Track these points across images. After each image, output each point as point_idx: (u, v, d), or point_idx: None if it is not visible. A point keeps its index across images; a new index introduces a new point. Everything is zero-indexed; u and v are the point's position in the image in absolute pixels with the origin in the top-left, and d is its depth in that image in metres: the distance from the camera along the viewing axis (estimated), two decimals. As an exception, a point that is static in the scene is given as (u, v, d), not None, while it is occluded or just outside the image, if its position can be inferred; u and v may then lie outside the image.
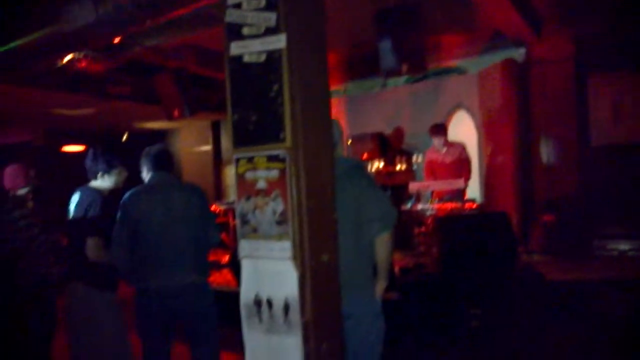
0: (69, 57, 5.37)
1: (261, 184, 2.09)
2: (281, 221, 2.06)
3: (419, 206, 6.45)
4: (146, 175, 3.37)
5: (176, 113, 7.33)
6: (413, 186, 6.50)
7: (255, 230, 2.15)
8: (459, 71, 8.11)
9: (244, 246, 2.21)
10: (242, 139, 2.13)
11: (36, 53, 4.50)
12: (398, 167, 7.88)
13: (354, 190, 2.54)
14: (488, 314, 4.92)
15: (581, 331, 4.64)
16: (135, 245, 3.19)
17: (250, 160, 2.11)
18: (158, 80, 7.23)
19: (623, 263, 6.06)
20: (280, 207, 2.05)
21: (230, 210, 8.10)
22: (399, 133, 7.89)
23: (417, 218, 6.57)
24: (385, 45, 4.82)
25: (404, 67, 4.88)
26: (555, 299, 5.09)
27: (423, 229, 6.49)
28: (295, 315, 2.09)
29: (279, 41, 1.98)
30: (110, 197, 3.41)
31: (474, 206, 6.29)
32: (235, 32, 2.10)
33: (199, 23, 4.93)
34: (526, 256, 6.25)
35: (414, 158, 7.81)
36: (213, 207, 7.85)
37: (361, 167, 2.74)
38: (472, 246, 5.28)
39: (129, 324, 3.38)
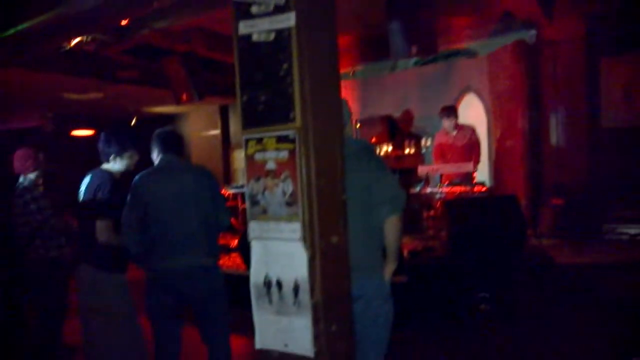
0: (77, 40, 5.37)
1: (271, 165, 2.08)
2: (291, 202, 2.05)
3: (428, 189, 6.42)
4: (156, 157, 3.37)
5: (185, 97, 7.33)
6: (422, 169, 6.46)
7: (265, 211, 2.14)
8: (469, 53, 8.03)
9: (254, 227, 2.20)
10: (251, 120, 2.11)
11: (45, 35, 4.49)
12: (407, 151, 7.85)
13: (363, 172, 2.52)
14: (497, 298, 4.92)
15: (590, 315, 4.64)
16: (146, 228, 3.19)
17: (259, 141, 2.10)
18: (166, 64, 7.21)
19: (633, 247, 6.02)
20: (289, 188, 2.04)
21: (239, 194, 8.12)
22: (407, 116, 7.85)
23: (426, 201, 6.55)
24: (395, 27, 4.77)
25: (414, 49, 4.83)
26: (564, 282, 5.08)
27: (432, 212, 6.48)
28: (304, 296, 2.09)
29: (288, 19, 1.95)
30: (121, 180, 3.41)
31: (483, 189, 6.26)
32: (243, 11, 2.08)
33: (207, 4, 4.89)
34: (535, 240, 6.23)
35: (423, 141, 7.77)
36: (222, 191, 7.86)
37: (371, 148, 2.72)
38: (481, 230, 5.27)
39: (139, 307, 3.40)
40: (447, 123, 6.69)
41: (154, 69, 7.75)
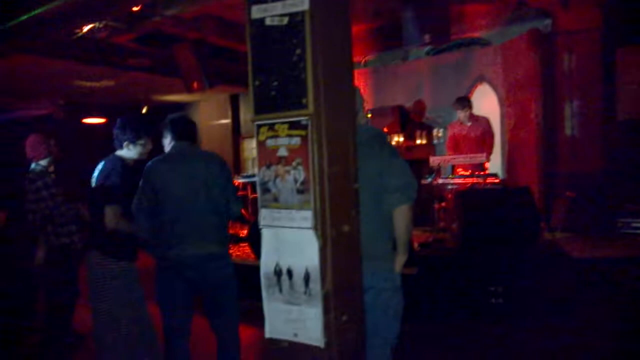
0: (89, 27, 5.35)
1: (282, 152, 2.05)
2: (302, 190, 2.02)
3: (440, 180, 6.36)
4: (168, 144, 3.35)
5: (195, 85, 7.33)
6: (434, 160, 6.40)
7: (276, 199, 2.11)
8: (483, 43, 7.93)
9: (265, 215, 2.18)
10: (263, 106, 2.08)
11: (57, 21, 4.48)
12: (418, 141, 7.80)
13: (375, 160, 2.48)
14: (509, 291, 4.87)
15: (604, 309, 4.58)
16: (156, 215, 3.18)
17: (271, 127, 2.07)
18: (178, 52, 7.20)
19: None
20: (301, 176, 2.01)
21: (248, 184, 8.11)
22: (419, 106, 7.78)
23: (438, 193, 6.50)
24: (409, 15, 4.71)
25: (427, 37, 4.77)
26: (577, 276, 5.02)
27: (443, 204, 6.42)
28: (315, 285, 2.06)
29: (302, 3, 1.91)
30: (133, 167, 3.39)
31: (496, 181, 6.19)
32: (256, -6, 2.04)
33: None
34: (547, 233, 6.16)
35: (435, 132, 7.71)
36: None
37: (383, 136, 2.68)
38: (493, 222, 5.22)
39: (149, 295, 3.40)
40: (461, 114, 6.62)
41: (164, 57, 7.75)
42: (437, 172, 6.52)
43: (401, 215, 2.55)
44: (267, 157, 2.10)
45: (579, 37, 6.82)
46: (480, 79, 8.02)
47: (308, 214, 2.03)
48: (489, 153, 6.50)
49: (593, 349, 4.01)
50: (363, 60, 9.19)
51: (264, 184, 2.13)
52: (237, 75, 8.63)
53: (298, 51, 1.95)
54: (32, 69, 7.67)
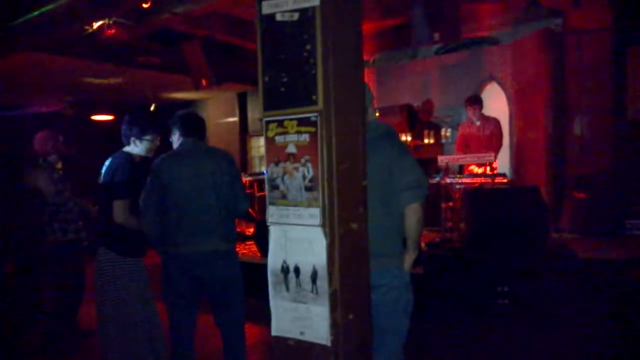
0: (98, 23, 5.36)
1: (291, 149, 2.04)
2: (311, 187, 2.01)
3: (448, 180, 6.33)
4: (177, 140, 3.34)
5: (204, 82, 7.34)
6: (442, 159, 6.37)
7: (284, 196, 2.10)
8: (492, 41, 7.88)
9: (273, 212, 2.16)
10: (272, 102, 2.06)
11: (67, 18, 4.49)
12: (426, 141, 7.77)
13: (385, 157, 2.47)
14: (516, 292, 4.84)
15: (612, 310, 4.54)
16: (164, 211, 3.18)
17: (280, 123, 2.05)
18: (186, 48, 7.21)
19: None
20: (310, 173, 2.00)
21: (255, 182, 8.12)
22: (427, 106, 7.75)
23: (445, 192, 6.47)
24: (418, 12, 4.69)
25: (436, 35, 4.75)
26: (586, 277, 4.98)
27: (451, 203, 6.39)
28: (322, 283, 2.05)
29: (313, -1, 1.90)
30: (140, 164, 3.39)
31: (504, 181, 6.15)
32: (266, -10, 2.03)
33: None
34: (555, 233, 6.12)
35: (443, 132, 7.67)
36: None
37: (393, 133, 2.66)
38: (501, 222, 5.18)
39: (156, 291, 3.39)
40: (471, 112, 6.58)
41: (173, 54, 7.76)
42: (445, 171, 6.49)
43: (412, 213, 2.53)
44: (276, 154, 2.09)
45: (589, 36, 6.77)
46: (490, 78, 7.97)
47: (316, 211, 2.01)
48: (496, 150, 6.46)
49: (598, 350, 3.98)
50: (372, 59, 9.16)
51: (272, 180, 2.12)
52: (245, 74, 8.64)
53: (308, 47, 1.93)
54: (40, 66, 7.70)
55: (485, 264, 5.06)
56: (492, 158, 6.18)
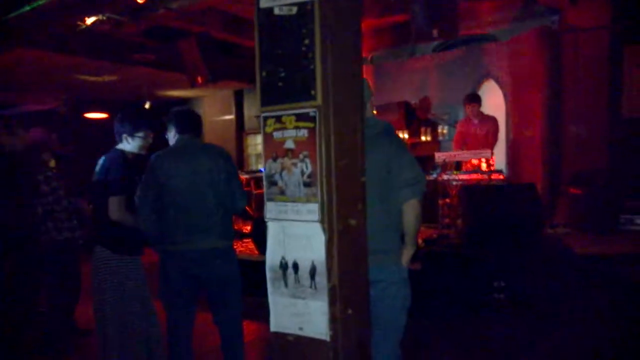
0: (92, 19, 5.32)
1: (289, 144, 2.03)
2: (309, 183, 2.00)
3: (445, 176, 6.34)
4: (173, 137, 3.32)
5: (200, 80, 7.31)
6: (439, 156, 6.38)
7: (282, 192, 2.09)
8: (490, 39, 7.88)
9: (271, 208, 2.15)
10: (270, 97, 2.05)
11: (61, 12, 4.46)
12: (423, 138, 7.77)
13: (384, 154, 2.47)
14: (513, 287, 4.86)
15: (608, 306, 4.56)
16: (161, 209, 3.16)
17: (278, 119, 2.04)
18: (182, 45, 7.19)
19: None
20: (308, 169, 1.99)
21: (252, 179, 8.10)
22: (425, 103, 7.75)
23: (442, 189, 6.47)
24: (417, 8, 4.68)
25: (435, 32, 4.74)
26: (581, 272, 4.99)
27: (448, 200, 6.40)
28: (321, 279, 2.04)
29: (311, -8, 1.89)
30: (134, 161, 3.37)
31: (501, 177, 6.17)
32: (264, -16, 2.01)
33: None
34: (550, 229, 6.14)
35: (440, 129, 7.67)
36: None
37: (392, 129, 2.66)
38: (498, 218, 5.20)
39: (153, 289, 3.38)
40: (469, 110, 6.59)
41: (169, 51, 7.72)
42: (442, 168, 6.50)
43: (410, 209, 2.54)
44: (274, 150, 2.08)
45: (586, 34, 6.78)
46: (487, 75, 7.97)
47: (315, 207, 2.00)
48: (491, 146, 6.47)
49: (595, 345, 3.99)
50: (370, 56, 9.15)
51: (270, 176, 2.11)
52: (242, 71, 8.62)
53: (307, 41, 1.92)
54: (34, 63, 7.65)
55: (482, 260, 5.07)
56: (490, 154, 6.20)
